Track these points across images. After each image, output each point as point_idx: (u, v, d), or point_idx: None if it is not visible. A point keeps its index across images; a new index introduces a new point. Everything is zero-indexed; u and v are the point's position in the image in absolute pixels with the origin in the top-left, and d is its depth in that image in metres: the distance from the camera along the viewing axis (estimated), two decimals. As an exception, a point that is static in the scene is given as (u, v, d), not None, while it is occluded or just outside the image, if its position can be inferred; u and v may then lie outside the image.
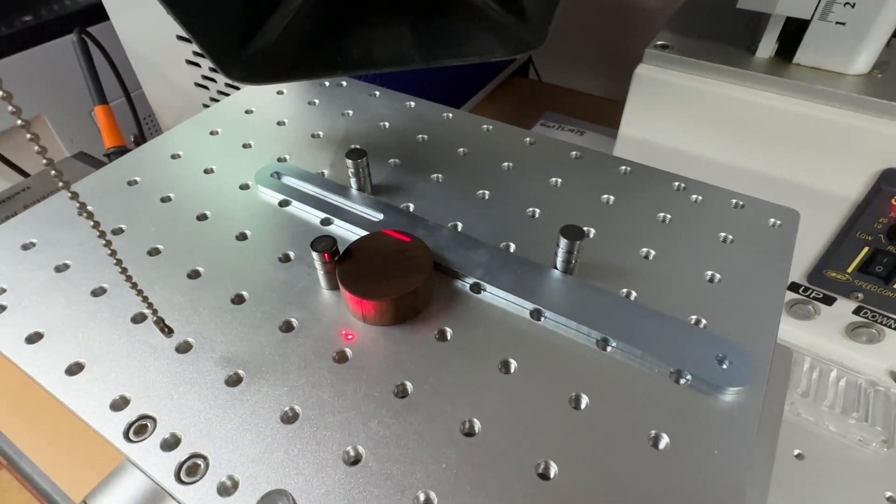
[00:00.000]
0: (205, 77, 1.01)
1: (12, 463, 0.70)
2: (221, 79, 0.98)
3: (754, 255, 0.47)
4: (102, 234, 0.33)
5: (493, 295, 0.44)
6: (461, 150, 0.60)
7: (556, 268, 0.45)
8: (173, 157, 0.60)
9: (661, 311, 0.41)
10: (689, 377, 0.38)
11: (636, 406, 0.37)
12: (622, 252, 0.48)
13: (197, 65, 0.99)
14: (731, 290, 0.44)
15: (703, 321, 0.42)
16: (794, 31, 0.68)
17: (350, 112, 0.67)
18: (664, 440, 0.35)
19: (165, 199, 0.54)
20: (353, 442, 0.35)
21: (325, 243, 0.43)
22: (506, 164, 0.58)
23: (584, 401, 0.37)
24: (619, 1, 1.39)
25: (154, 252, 0.49)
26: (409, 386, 0.38)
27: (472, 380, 0.38)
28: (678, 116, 0.77)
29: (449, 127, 0.64)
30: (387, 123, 0.64)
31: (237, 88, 0.97)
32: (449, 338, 0.41)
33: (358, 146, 0.53)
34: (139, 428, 0.37)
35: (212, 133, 0.63)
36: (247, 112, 0.67)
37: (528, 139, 0.61)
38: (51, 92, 1.36)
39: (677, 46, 0.77)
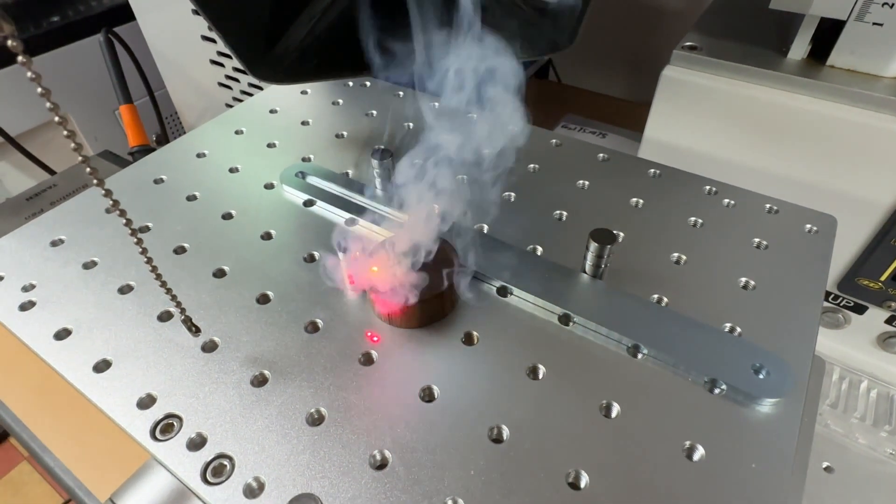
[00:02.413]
0: (228, 77, 1.01)
1: (35, 456, 0.70)
2: (245, 78, 0.99)
3: (790, 262, 0.46)
4: (134, 233, 0.33)
5: (521, 298, 0.43)
6: (486, 151, 0.59)
7: (585, 272, 0.44)
8: (199, 155, 0.60)
9: (694, 318, 0.40)
10: (723, 387, 0.37)
11: (669, 415, 0.36)
12: (653, 257, 0.47)
13: (221, 65, 1.00)
14: (766, 298, 0.43)
15: (738, 329, 0.41)
16: (828, 32, 0.66)
17: (374, 112, 0.66)
18: (699, 452, 0.34)
19: (191, 198, 0.55)
20: (380, 446, 0.35)
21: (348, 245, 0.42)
22: (532, 165, 0.57)
23: (616, 409, 0.36)
24: (640, 2, 1.38)
25: (180, 250, 0.49)
26: (436, 390, 0.38)
27: (499, 385, 0.38)
28: (706, 119, 0.75)
29: (473, 128, 0.63)
30: (411, 124, 0.64)
31: (260, 88, 0.97)
32: (476, 341, 0.41)
33: (383, 146, 0.52)
34: (165, 427, 0.36)
35: (237, 132, 0.64)
36: (271, 112, 0.67)
37: (553, 141, 0.60)
38: (76, 92, 1.38)
39: (706, 48, 0.76)
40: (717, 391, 0.37)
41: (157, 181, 0.57)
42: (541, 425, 0.35)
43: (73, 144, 0.27)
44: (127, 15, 1.21)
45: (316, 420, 0.36)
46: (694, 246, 0.47)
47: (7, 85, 1.25)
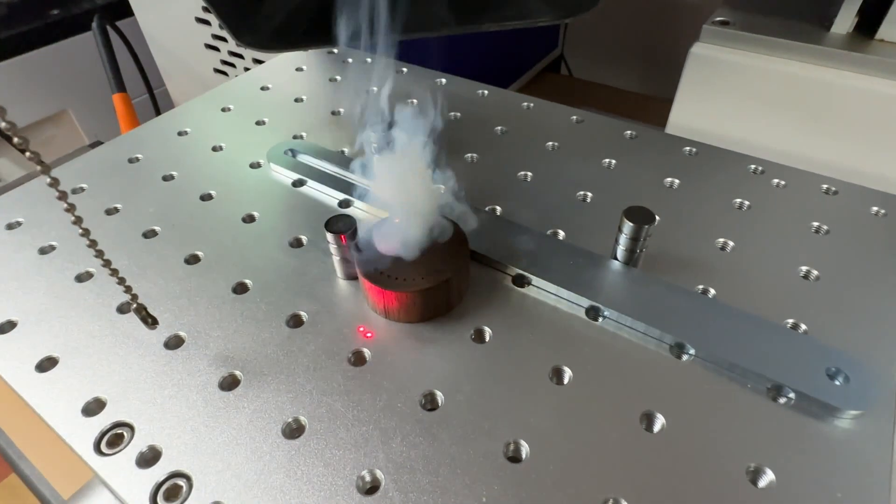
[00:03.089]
0: (224, 62, 0.96)
1: (14, 466, 0.65)
2: (240, 63, 0.93)
3: (858, 249, 0.39)
4: (78, 221, 0.28)
5: (541, 289, 0.37)
6: (498, 128, 0.53)
7: (616, 258, 0.37)
8: (180, 133, 0.54)
9: (748, 312, 0.34)
10: (791, 395, 0.30)
11: (726, 430, 0.29)
12: (694, 242, 0.40)
13: (216, 49, 0.95)
14: (833, 290, 0.36)
15: (803, 326, 0.34)
16: (876, 4, 0.60)
17: (375, 89, 0.60)
18: (767, 476, 0.27)
19: (168, 178, 0.49)
20: (370, 464, 0.28)
21: (342, 223, 0.36)
22: (550, 143, 0.50)
23: (659, 421, 0.30)
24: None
25: (150, 234, 0.43)
26: (440, 396, 0.31)
27: (516, 391, 0.31)
28: (739, 100, 0.68)
29: (484, 105, 0.57)
30: (415, 100, 0.58)
31: (261, 62, 0.92)
32: (488, 339, 0.34)
33: (383, 120, 0.46)
34: (113, 438, 0.30)
35: (223, 110, 0.58)
36: (262, 89, 0.61)
37: (574, 117, 0.54)
38: (76, 86, 1.35)
39: (738, 22, 0.69)
40: (782, 400, 0.30)
41: (132, 160, 0.51)
42: (567, 440, 0.29)
43: (3, 123, 0.22)
44: (127, 11, 1.17)
45: (294, 431, 0.30)
46: (741, 230, 0.41)
47: (2, 81, 1.22)
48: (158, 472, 0.28)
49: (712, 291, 0.36)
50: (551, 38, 1.47)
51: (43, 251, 0.42)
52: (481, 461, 0.28)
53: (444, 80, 0.61)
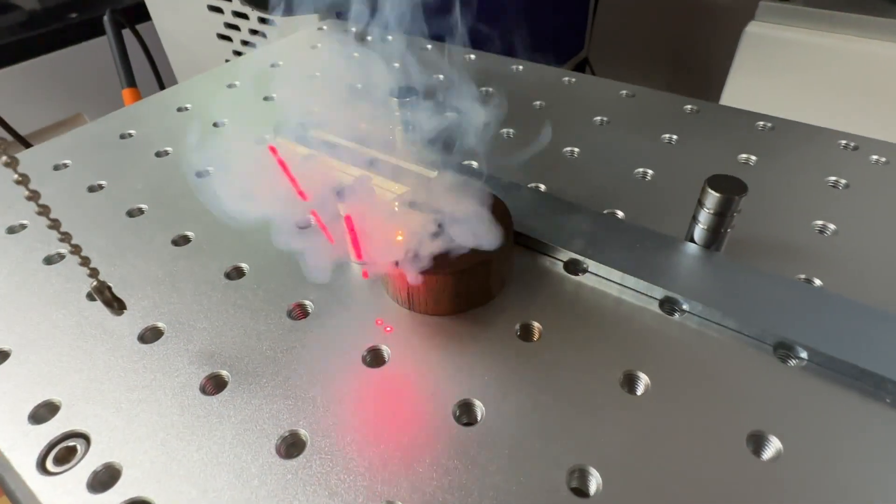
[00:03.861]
0: (235, 53, 0.92)
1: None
2: (249, 38, 0.88)
3: None
4: (34, 195, 0.21)
5: (600, 277, 0.30)
6: (537, 103, 0.46)
7: (693, 240, 0.30)
8: (179, 109, 0.49)
9: (868, 304, 0.26)
10: (946, 413, 0.23)
11: (863, 454, 0.22)
12: (785, 224, 0.33)
13: (228, 38, 0.90)
14: (973, 281, 0.29)
15: (946, 325, 0.26)
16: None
17: (398, 65, 0.54)
18: (935, 524, 0.20)
19: (161, 154, 0.43)
20: (390, 495, 0.21)
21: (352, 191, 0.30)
22: (598, 118, 0.44)
23: (773, 445, 0.22)
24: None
25: (136, 213, 0.37)
26: (480, 408, 0.24)
27: (578, 402, 0.24)
28: (798, 79, 0.61)
29: (519, 80, 0.51)
30: (441, 76, 0.51)
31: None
32: (537, 336, 0.27)
33: (407, 85, 0.40)
34: (63, 452, 0.24)
35: (229, 86, 0.52)
36: (273, 66, 0.55)
37: (624, 91, 0.47)
38: (90, 90, 1.32)
39: (799, -1, 0.63)
40: (934, 420, 0.23)
41: (124, 136, 0.45)
42: (650, 468, 0.22)
43: None
44: (143, 14, 1.14)
45: (291, 448, 0.23)
46: (840, 211, 0.33)
47: (18, 84, 1.20)
48: (114, 498, 0.22)
49: (817, 281, 0.29)
50: (577, 41, 1.41)
51: (12, 230, 0.36)
52: (536, 494, 0.21)
53: (473, 56, 0.55)
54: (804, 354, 0.25)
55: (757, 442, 0.23)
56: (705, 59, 1.35)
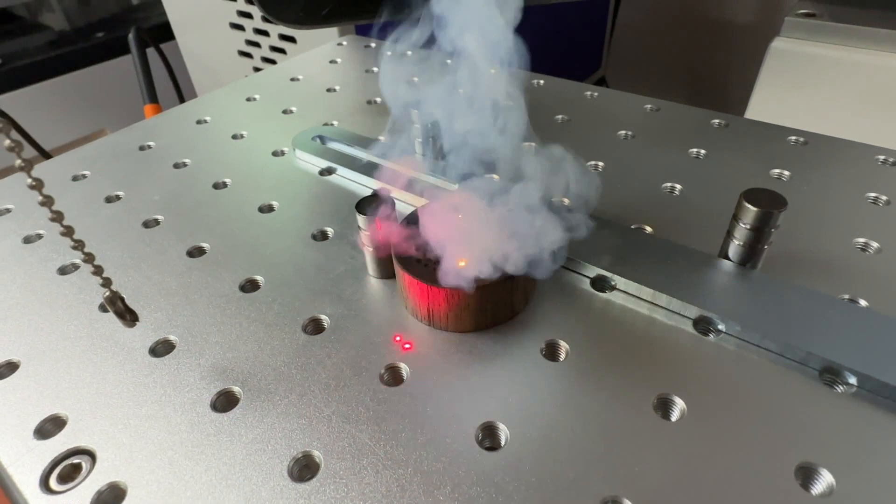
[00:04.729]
0: (255, 69, 0.93)
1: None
2: (269, 55, 0.89)
3: None
4: (47, 200, 0.21)
5: (629, 294, 0.29)
6: (559, 117, 0.46)
7: (727, 257, 0.29)
8: (199, 122, 0.49)
9: (925, 329, 0.25)
10: None
11: (928, 496, 0.20)
12: (824, 242, 0.31)
13: (248, 55, 0.91)
14: None
15: None
16: None
17: (417, 80, 0.54)
18: None
19: (179, 165, 0.43)
20: (409, 524, 0.20)
21: (377, 203, 0.29)
22: (623, 132, 0.43)
23: (825, 478, 0.21)
24: (703, 15, 1.25)
25: (152, 223, 0.37)
26: (504, 431, 0.23)
27: (610, 426, 0.23)
28: (828, 97, 0.60)
29: (540, 94, 0.50)
30: (462, 90, 0.51)
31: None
32: (564, 356, 0.26)
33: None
34: (68, 470, 0.23)
35: (248, 99, 0.52)
36: (292, 80, 0.55)
37: (648, 105, 0.46)
38: (113, 106, 1.35)
39: (825, 14, 0.62)
40: None
41: (143, 147, 0.45)
42: (690, 499, 0.20)
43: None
44: (167, 34, 1.17)
45: (304, 471, 0.22)
46: (884, 228, 0.32)
47: (45, 100, 1.23)
48: (117, 521, 0.21)
49: (863, 301, 0.27)
50: (594, 59, 1.41)
51: (28, 240, 0.36)
52: (567, 527, 0.20)
53: (493, 72, 0.54)
54: (853, 380, 0.24)
55: (806, 475, 0.21)
56: (723, 76, 1.34)
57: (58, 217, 0.21)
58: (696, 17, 1.27)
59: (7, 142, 0.19)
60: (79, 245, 0.23)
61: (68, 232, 0.22)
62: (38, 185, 0.21)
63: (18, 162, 0.20)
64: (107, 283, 0.24)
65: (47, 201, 0.21)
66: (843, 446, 0.22)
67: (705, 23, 1.27)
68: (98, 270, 0.24)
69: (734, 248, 0.28)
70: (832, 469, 0.21)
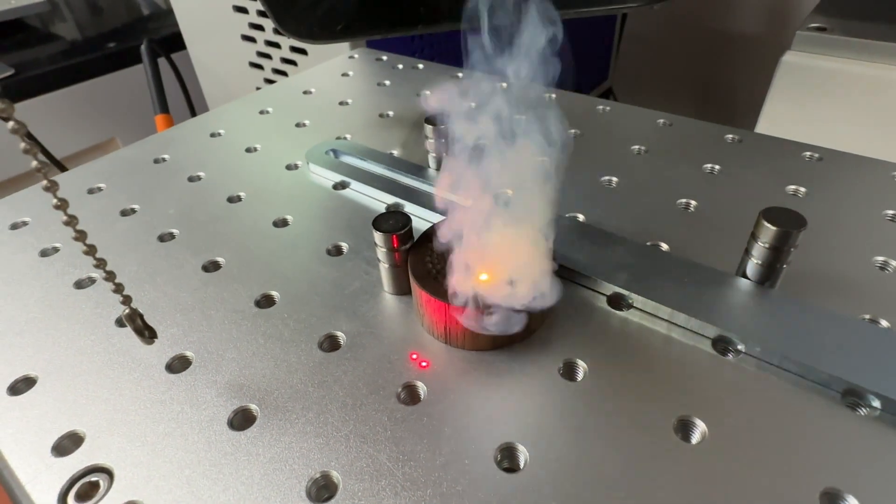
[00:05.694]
0: (266, 81, 0.93)
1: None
2: (280, 67, 0.90)
3: None
4: (72, 220, 0.21)
5: (646, 313, 0.28)
6: (572, 131, 0.46)
7: (745, 275, 0.28)
8: (213, 135, 0.49)
9: (949, 351, 0.24)
10: None
11: (957, 524, 0.20)
12: (843, 260, 0.31)
13: (260, 67, 0.92)
14: None
15: None
16: None
17: (428, 93, 0.54)
18: None
19: (194, 179, 0.43)
20: (429, 548, 0.20)
21: (394, 221, 0.29)
22: (636, 147, 0.43)
23: (851, 505, 0.20)
24: (711, 28, 1.25)
25: (167, 237, 0.37)
26: (524, 452, 0.23)
27: (630, 448, 0.22)
28: (839, 111, 0.60)
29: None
30: (473, 104, 0.51)
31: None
32: (581, 375, 0.26)
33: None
34: (86, 488, 0.23)
35: (261, 112, 0.52)
36: (305, 93, 0.56)
37: (661, 120, 0.46)
38: (123, 115, 1.36)
39: (836, 28, 0.62)
40: None
41: (158, 161, 0.46)
42: (715, 528, 0.20)
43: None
44: (178, 44, 1.18)
45: (322, 491, 0.22)
46: (903, 247, 0.32)
47: (57, 109, 1.24)
48: (136, 541, 0.21)
49: (884, 322, 0.27)
50: (601, 70, 1.41)
51: (44, 253, 0.36)
52: (589, 553, 0.19)
53: (503, 85, 0.54)
54: (877, 403, 0.23)
55: (831, 501, 0.21)
56: (730, 89, 1.34)
57: (81, 237, 0.22)
58: (702, 29, 1.27)
59: (34, 163, 0.19)
60: (101, 263, 0.23)
61: (91, 251, 0.22)
62: (63, 205, 0.21)
63: (44, 183, 0.20)
64: (127, 300, 0.24)
65: (71, 221, 0.21)
66: (868, 471, 0.21)
67: (712, 34, 1.27)
68: (119, 288, 0.24)
69: (752, 266, 0.28)
70: (858, 495, 0.20)
